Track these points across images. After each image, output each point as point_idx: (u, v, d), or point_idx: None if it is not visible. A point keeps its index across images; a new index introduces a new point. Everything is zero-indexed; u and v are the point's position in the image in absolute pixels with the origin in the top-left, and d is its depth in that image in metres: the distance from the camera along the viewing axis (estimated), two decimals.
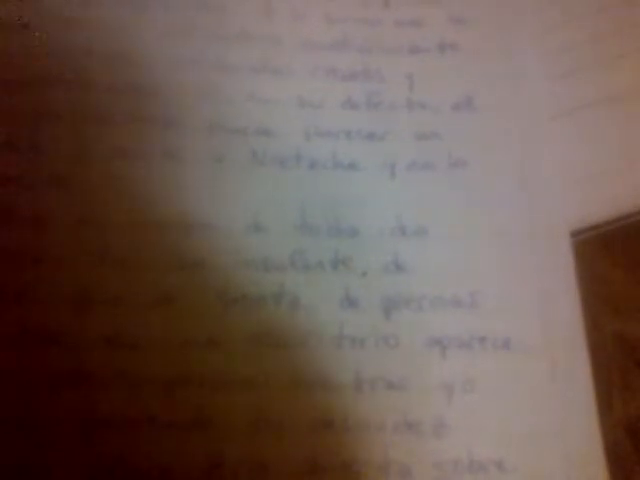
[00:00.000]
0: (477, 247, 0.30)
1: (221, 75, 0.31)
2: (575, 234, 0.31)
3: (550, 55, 0.34)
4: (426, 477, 0.26)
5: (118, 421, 0.26)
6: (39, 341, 0.26)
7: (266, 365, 0.27)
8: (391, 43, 0.32)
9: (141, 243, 0.28)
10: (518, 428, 0.27)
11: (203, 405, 0.26)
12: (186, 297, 0.27)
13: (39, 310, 0.27)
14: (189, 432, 0.26)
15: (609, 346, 0.30)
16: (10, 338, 0.26)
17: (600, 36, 0.34)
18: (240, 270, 0.28)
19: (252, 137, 0.30)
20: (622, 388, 0.30)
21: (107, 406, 0.26)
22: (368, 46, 0.32)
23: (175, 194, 0.29)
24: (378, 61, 0.32)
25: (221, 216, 0.29)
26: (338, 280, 0.29)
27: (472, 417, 0.27)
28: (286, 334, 0.28)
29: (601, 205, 0.32)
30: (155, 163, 0.29)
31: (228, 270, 0.28)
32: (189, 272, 0.28)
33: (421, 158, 0.31)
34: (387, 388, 0.27)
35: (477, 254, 0.29)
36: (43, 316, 0.27)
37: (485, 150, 0.31)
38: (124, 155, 0.29)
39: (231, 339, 0.27)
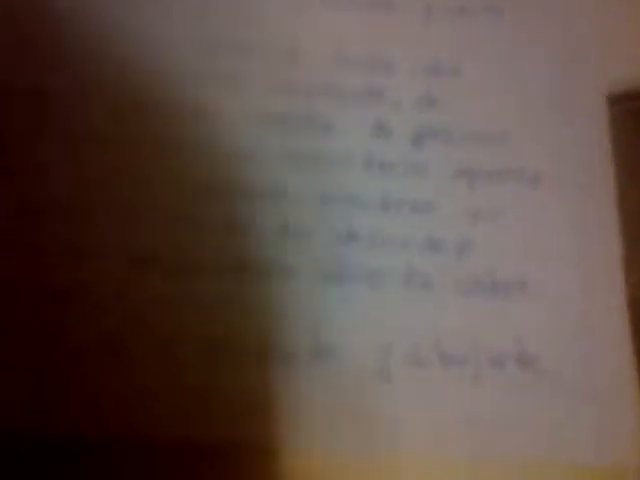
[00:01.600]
0: (510, 89, 0.30)
1: None
2: (611, 100, 0.31)
3: None
4: (447, 290, 0.27)
5: (153, 219, 0.27)
6: (85, 140, 0.27)
7: (295, 180, 0.28)
8: None
9: (182, 60, 0.29)
10: (543, 253, 0.27)
11: (234, 211, 0.27)
12: (223, 112, 0.28)
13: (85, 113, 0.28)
14: (221, 234, 0.27)
15: (635, 214, 0.30)
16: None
17: None
18: (277, 92, 0.29)
19: None
20: None
21: (144, 204, 0.27)
22: None
23: (219, 18, 0.30)
24: None
25: (260, 41, 0.29)
26: (370, 109, 0.29)
27: (496, 240, 0.27)
28: (317, 153, 0.28)
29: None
30: None
31: (265, 91, 0.29)
32: (227, 90, 0.29)
33: (457, 2, 0.31)
34: (413, 210, 0.28)
35: (510, 96, 0.30)
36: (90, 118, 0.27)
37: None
38: None
39: (264, 153, 0.28)
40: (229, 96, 0.29)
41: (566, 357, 0.26)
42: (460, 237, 0.27)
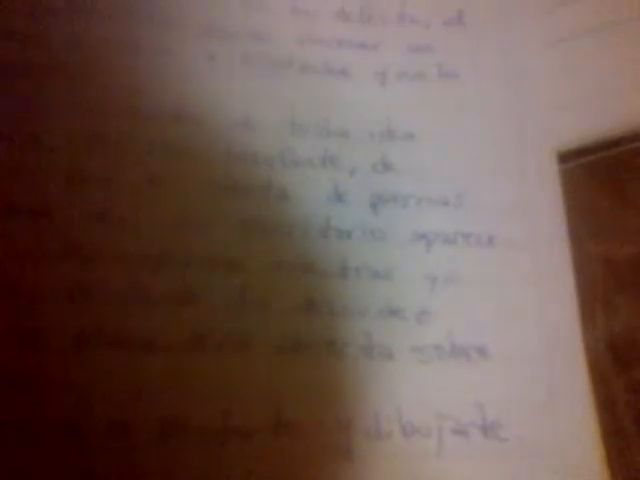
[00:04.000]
0: (465, 151, 0.30)
1: None
2: (562, 157, 0.32)
3: None
4: (408, 360, 0.26)
5: (105, 293, 0.26)
6: (30, 214, 0.26)
7: (252, 249, 0.27)
8: None
9: (134, 130, 0.28)
10: (501, 317, 0.27)
11: (188, 282, 0.26)
12: (175, 182, 0.28)
13: (30, 185, 0.27)
14: (174, 306, 0.26)
15: (593, 267, 0.31)
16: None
17: None
18: (229, 162, 0.29)
19: (245, 40, 0.31)
20: (605, 306, 0.30)
21: (94, 279, 0.26)
22: None
23: (168, 87, 0.29)
24: None
25: (211, 110, 0.29)
26: (326, 177, 0.29)
27: (454, 306, 0.27)
28: (273, 222, 0.28)
29: (587, 127, 0.32)
30: (151, 58, 0.30)
31: (217, 161, 0.29)
32: (178, 159, 0.28)
33: (412, 68, 0.31)
34: (372, 277, 0.28)
35: (465, 158, 0.30)
36: (34, 191, 0.27)
37: (475, 63, 0.32)
38: (122, 48, 0.30)
39: (218, 223, 0.28)
40: (181, 166, 0.28)
41: (528, 422, 0.26)
42: (419, 303, 0.27)
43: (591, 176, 0.32)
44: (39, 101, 0.28)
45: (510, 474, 0.25)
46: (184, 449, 0.24)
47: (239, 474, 0.24)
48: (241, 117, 0.29)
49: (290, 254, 0.27)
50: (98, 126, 0.28)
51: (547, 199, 0.30)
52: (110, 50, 0.30)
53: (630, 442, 0.28)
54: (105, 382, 0.25)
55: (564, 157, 0.32)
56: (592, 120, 0.32)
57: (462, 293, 0.28)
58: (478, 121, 0.31)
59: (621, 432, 0.28)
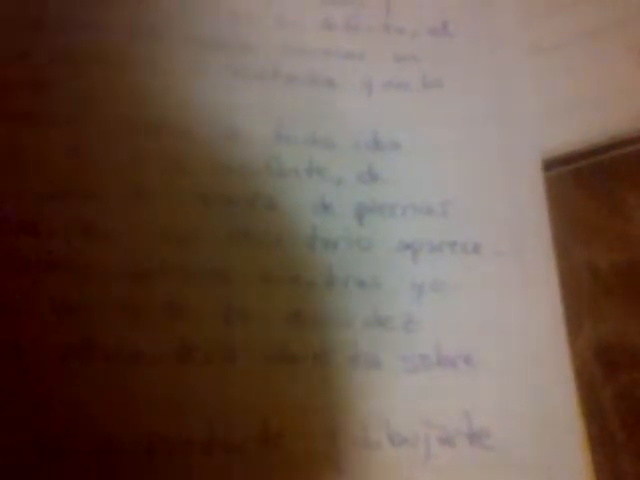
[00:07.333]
0: (450, 160, 0.30)
1: None
2: (548, 164, 0.32)
3: None
4: (395, 369, 0.27)
5: (90, 307, 0.26)
6: (12, 229, 0.26)
7: (238, 261, 0.27)
8: None
9: (120, 142, 0.28)
10: (487, 325, 0.28)
11: (175, 295, 0.26)
12: (161, 194, 0.28)
13: (16, 199, 0.27)
14: (161, 319, 0.26)
15: (579, 274, 0.31)
16: None
17: None
18: (215, 173, 0.29)
19: (230, 52, 0.31)
20: (591, 312, 0.30)
21: (80, 292, 0.26)
22: None
23: (155, 99, 0.29)
24: None
25: (198, 122, 0.29)
26: (313, 187, 0.29)
27: (441, 314, 0.28)
28: (260, 233, 0.28)
29: (572, 135, 0.33)
30: (137, 70, 0.30)
31: (203, 172, 0.29)
32: (164, 171, 0.28)
33: (397, 78, 0.31)
34: (358, 286, 0.28)
35: (450, 167, 0.30)
36: (17, 205, 0.27)
37: (460, 73, 0.32)
38: (107, 61, 0.30)
39: (205, 235, 0.28)
40: (167, 178, 0.28)
41: (515, 430, 0.26)
42: (405, 312, 0.27)
43: (576, 183, 0.33)
44: (23, 115, 0.28)
45: None
46: (171, 462, 0.24)
47: None
48: (227, 128, 0.29)
49: (277, 265, 0.27)
50: (83, 138, 0.28)
51: (533, 206, 0.30)
52: (95, 63, 0.30)
53: (618, 449, 0.28)
54: (92, 396, 0.25)
55: (549, 164, 0.32)
56: (577, 127, 0.32)
57: (448, 302, 0.28)
58: (463, 130, 0.31)
59: (609, 439, 0.28)
